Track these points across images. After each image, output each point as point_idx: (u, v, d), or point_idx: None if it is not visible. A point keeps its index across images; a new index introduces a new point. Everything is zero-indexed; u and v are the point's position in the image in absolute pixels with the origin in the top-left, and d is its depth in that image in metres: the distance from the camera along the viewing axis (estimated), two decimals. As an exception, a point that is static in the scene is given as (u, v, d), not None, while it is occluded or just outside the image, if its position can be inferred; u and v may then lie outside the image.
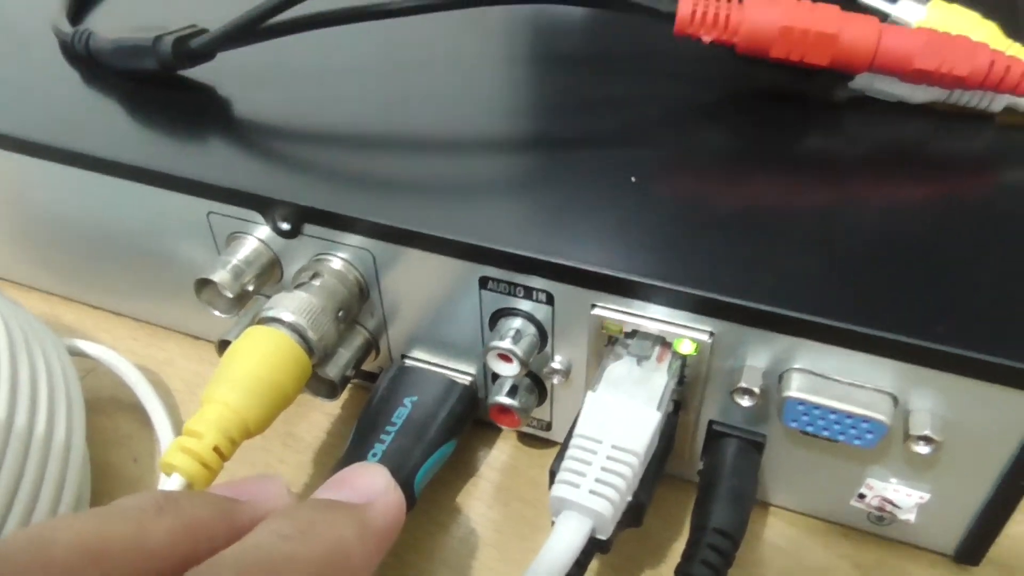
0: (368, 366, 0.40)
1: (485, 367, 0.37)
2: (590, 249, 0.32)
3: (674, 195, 0.35)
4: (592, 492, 0.28)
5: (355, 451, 0.35)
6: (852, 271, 0.31)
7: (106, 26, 0.44)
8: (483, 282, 0.34)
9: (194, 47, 0.41)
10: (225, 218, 0.37)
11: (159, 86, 0.42)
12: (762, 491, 0.36)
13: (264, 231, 0.37)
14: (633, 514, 0.30)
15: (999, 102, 0.38)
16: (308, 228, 0.36)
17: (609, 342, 0.33)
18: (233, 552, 0.22)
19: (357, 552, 0.25)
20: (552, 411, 0.38)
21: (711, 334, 0.31)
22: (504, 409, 0.36)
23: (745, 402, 0.31)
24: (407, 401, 0.36)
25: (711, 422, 0.34)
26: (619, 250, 0.32)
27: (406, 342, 0.38)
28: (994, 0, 0.42)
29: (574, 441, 0.30)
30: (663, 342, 0.32)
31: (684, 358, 0.32)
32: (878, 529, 0.35)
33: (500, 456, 0.40)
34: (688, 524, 0.33)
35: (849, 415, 0.30)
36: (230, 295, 0.35)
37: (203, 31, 0.42)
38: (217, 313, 0.37)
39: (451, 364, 0.38)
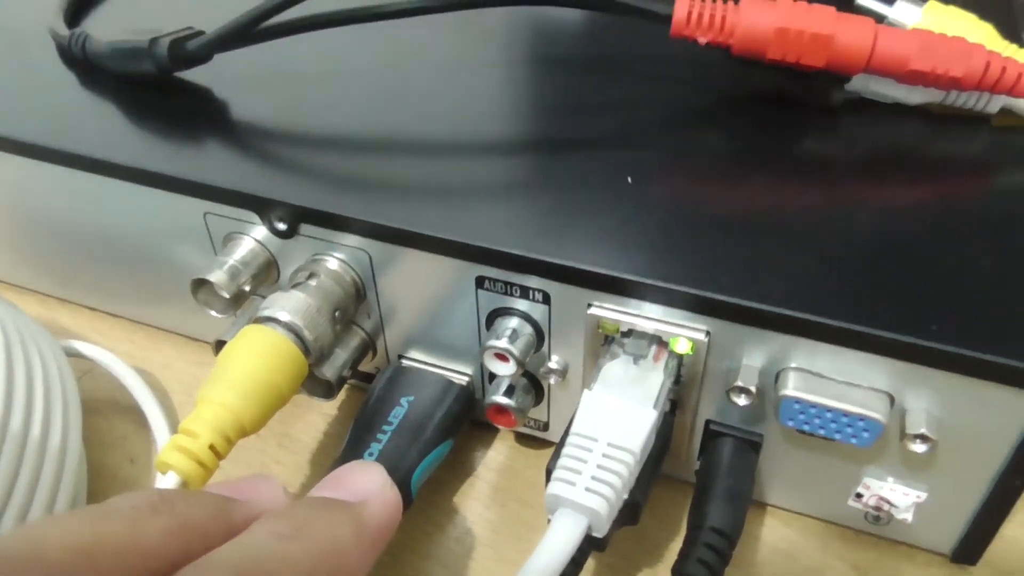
0: (365, 367, 0.40)
1: (482, 367, 0.37)
2: (586, 249, 0.32)
3: (670, 196, 0.35)
4: (588, 490, 0.28)
5: (351, 451, 0.35)
6: (848, 271, 0.31)
7: (103, 29, 0.44)
8: (479, 282, 0.34)
9: (190, 49, 0.41)
10: (222, 219, 0.37)
11: (156, 88, 0.42)
12: (759, 491, 0.36)
13: (261, 232, 0.37)
14: (629, 513, 0.30)
15: (995, 103, 0.38)
16: (305, 228, 0.36)
17: (605, 341, 0.33)
18: (227, 551, 0.22)
19: (352, 551, 0.25)
20: (549, 411, 0.38)
21: (707, 333, 0.31)
22: (501, 409, 0.36)
23: (741, 401, 0.31)
24: (404, 401, 0.36)
25: (708, 422, 0.34)
26: (615, 250, 0.32)
27: (403, 343, 0.38)
28: (990, 2, 0.42)
29: (570, 439, 0.30)
30: (659, 341, 0.32)
31: (680, 357, 0.32)
32: (875, 529, 0.35)
33: (497, 457, 0.40)
34: (685, 524, 0.33)
35: (845, 414, 0.30)
36: (227, 295, 0.35)
37: (199, 33, 0.42)
38: (214, 313, 0.37)
39: (448, 364, 0.38)
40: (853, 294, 0.30)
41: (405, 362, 0.39)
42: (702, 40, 0.37)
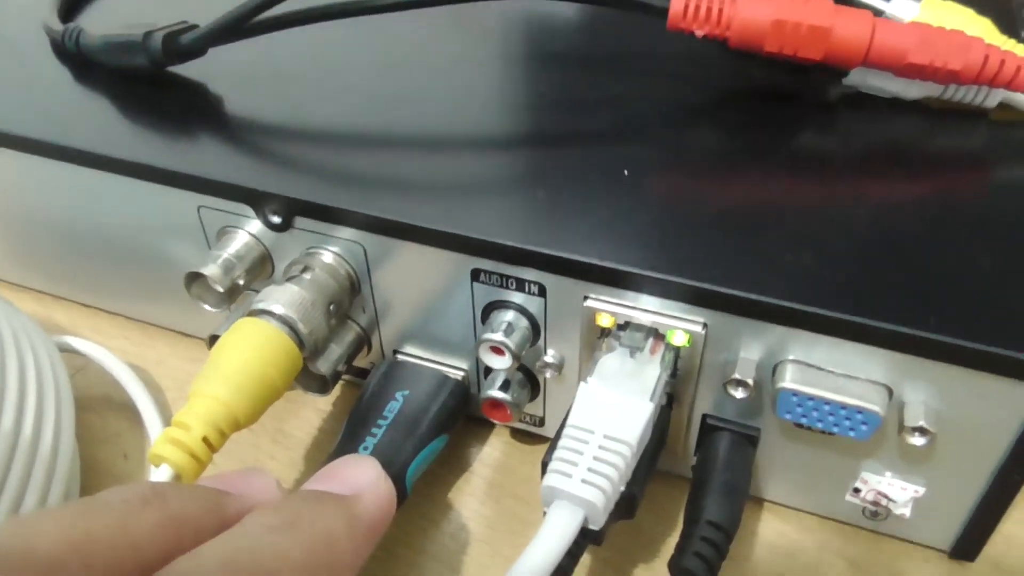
0: (360, 362, 0.39)
1: (478, 362, 0.36)
2: (582, 241, 0.31)
3: (667, 189, 0.35)
4: (584, 482, 0.28)
5: (346, 445, 0.35)
6: (846, 264, 0.31)
7: (97, 24, 0.44)
8: (475, 275, 0.34)
9: (184, 43, 0.41)
10: (216, 212, 0.37)
11: (150, 82, 0.42)
12: (756, 486, 0.36)
13: (255, 225, 0.36)
14: (626, 506, 0.30)
15: (993, 98, 0.38)
16: (299, 221, 0.35)
17: (602, 334, 0.33)
18: (219, 543, 0.22)
19: (345, 544, 0.24)
20: (545, 407, 0.38)
21: (704, 325, 0.31)
22: (496, 404, 0.36)
23: (739, 394, 0.31)
24: (398, 395, 0.36)
25: (705, 416, 0.34)
26: (612, 242, 0.31)
27: (398, 337, 0.38)
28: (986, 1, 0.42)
29: (566, 431, 0.30)
30: (656, 334, 0.32)
31: (677, 350, 0.32)
32: (873, 524, 0.35)
33: (493, 452, 0.39)
34: (681, 519, 0.33)
35: (843, 406, 0.29)
36: (220, 289, 0.35)
37: (193, 27, 0.41)
38: (207, 308, 0.36)
39: (443, 359, 0.38)
40: (851, 286, 0.29)
41: (400, 357, 0.39)
42: (699, 33, 0.36)
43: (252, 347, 0.32)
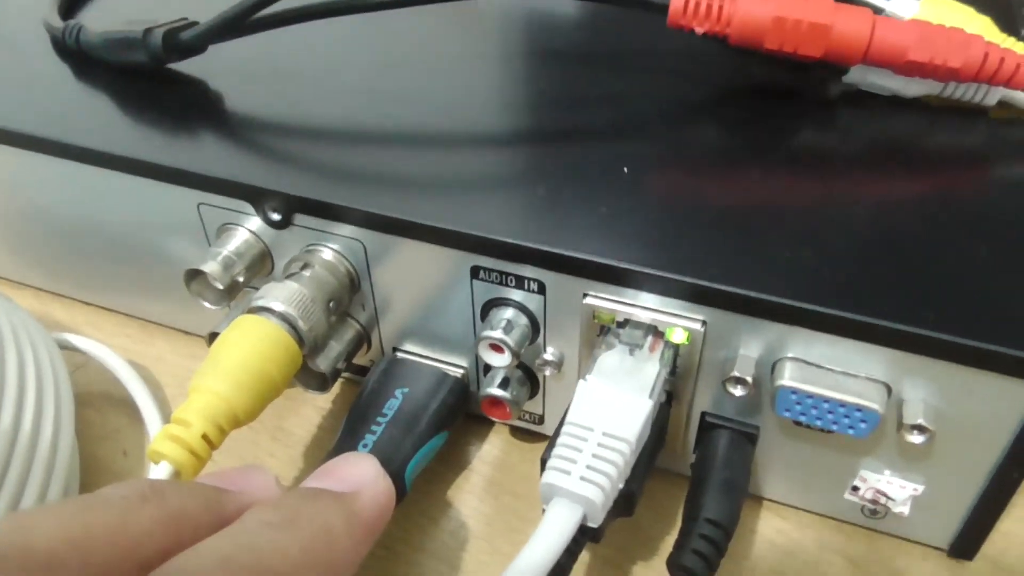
0: (360, 360, 0.40)
1: (477, 359, 0.36)
2: (582, 238, 0.32)
3: (667, 186, 0.35)
4: (583, 479, 0.28)
5: (345, 442, 0.35)
6: (846, 261, 0.31)
7: (97, 21, 0.44)
8: (475, 272, 0.34)
9: (184, 40, 0.41)
10: (216, 209, 0.37)
11: (150, 79, 0.42)
12: (756, 485, 0.36)
13: (255, 222, 0.36)
14: (624, 503, 0.30)
15: (993, 96, 0.38)
16: (299, 219, 0.35)
17: (601, 332, 0.33)
18: (217, 540, 0.22)
19: (343, 540, 0.24)
20: (544, 404, 0.38)
21: (703, 323, 0.31)
22: (496, 401, 0.36)
23: (738, 392, 0.31)
24: (398, 393, 0.36)
25: (704, 414, 0.34)
26: (611, 239, 0.31)
27: (398, 335, 0.38)
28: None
29: (565, 428, 0.30)
30: (655, 331, 0.32)
31: (676, 347, 0.32)
32: (872, 523, 0.35)
33: (492, 450, 0.39)
34: (680, 517, 0.33)
35: (842, 404, 0.29)
36: (220, 286, 0.35)
37: (193, 24, 0.41)
38: (207, 305, 0.36)
39: (443, 357, 0.38)
40: (850, 283, 0.30)
41: (400, 354, 0.39)
42: (699, 30, 0.36)
43: (252, 344, 0.32)
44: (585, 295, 0.32)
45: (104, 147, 0.38)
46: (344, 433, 0.35)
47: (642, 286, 0.31)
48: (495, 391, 0.36)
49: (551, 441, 0.30)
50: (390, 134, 0.38)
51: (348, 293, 0.36)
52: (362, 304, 0.37)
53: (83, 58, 0.44)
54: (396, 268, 0.35)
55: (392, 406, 0.36)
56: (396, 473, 0.33)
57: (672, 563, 0.31)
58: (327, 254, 0.36)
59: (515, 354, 0.33)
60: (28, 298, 0.48)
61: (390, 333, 0.38)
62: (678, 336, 0.31)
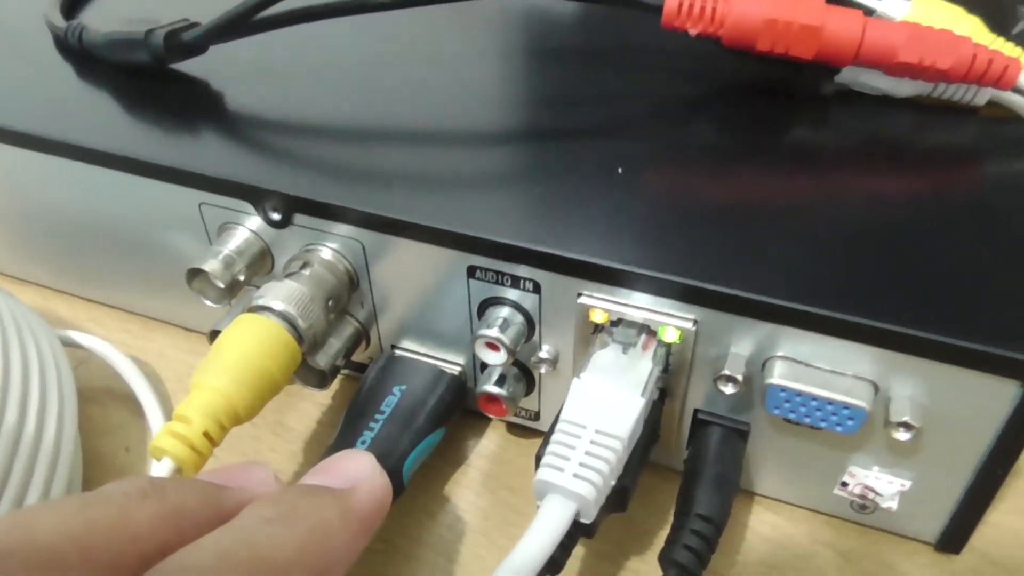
0: (358, 357, 0.40)
1: (474, 357, 0.37)
2: (576, 238, 0.32)
3: (661, 186, 0.35)
4: (576, 476, 0.29)
5: (344, 438, 0.35)
6: (835, 260, 0.31)
7: (100, 20, 0.44)
8: (471, 271, 0.34)
9: (186, 40, 0.41)
10: (217, 208, 0.37)
11: (152, 79, 0.43)
12: (747, 480, 0.37)
13: (255, 221, 0.37)
14: (618, 499, 0.31)
15: (983, 95, 0.38)
16: (299, 218, 0.36)
17: (595, 330, 0.33)
18: (216, 535, 0.22)
19: (340, 535, 0.25)
20: (540, 401, 0.38)
21: (695, 322, 0.31)
22: (492, 398, 0.36)
23: (728, 389, 0.31)
24: (396, 390, 0.37)
25: (696, 411, 0.35)
26: (605, 239, 0.32)
27: (396, 332, 0.39)
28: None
29: (559, 426, 0.30)
30: (648, 330, 0.32)
31: (669, 346, 0.32)
32: (861, 517, 0.36)
33: (489, 445, 0.40)
34: (673, 512, 0.33)
35: (830, 402, 0.30)
36: (221, 285, 0.36)
37: (195, 25, 0.42)
38: (208, 303, 0.37)
39: (440, 354, 0.39)
40: (839, 283, 0.30)
41: (398, 352, 0.39)
42: (692, 31, 0.37)
43: (252, 342, 0.33)
44: (579, 294, 0.32)
45: (107, 147, 0.38)
46: (343, 429, 0.36)
47: (635, 286, 0.31)
48: (491, 388, 0.36)
49: (545, 438, 0.31)
50: (388, 133, 0.39)
51: (347, 292, 0.37)
52: (361, 302, 0.38)
53: (85, 57, 0.44)
54: (394, 267, 0.36)
55: (390, 403, 0.36)
56: (394, 468, 0.34)
57: (663, 558, 0.31)
58: (326, 253, 0.36)
59: (511, 352, 0.34)
60: (31, 294, 0.49)
61: (388, 331, 0.39)
62: (670, 335, 0.32)
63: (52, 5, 0.47)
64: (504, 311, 0.34)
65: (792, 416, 0.31)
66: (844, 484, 0.34)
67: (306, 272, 0.35)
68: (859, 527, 0.36)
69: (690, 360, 0.32)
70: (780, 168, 0.36)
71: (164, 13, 0.43)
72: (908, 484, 0.33)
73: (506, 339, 0.33)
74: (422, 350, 0.39)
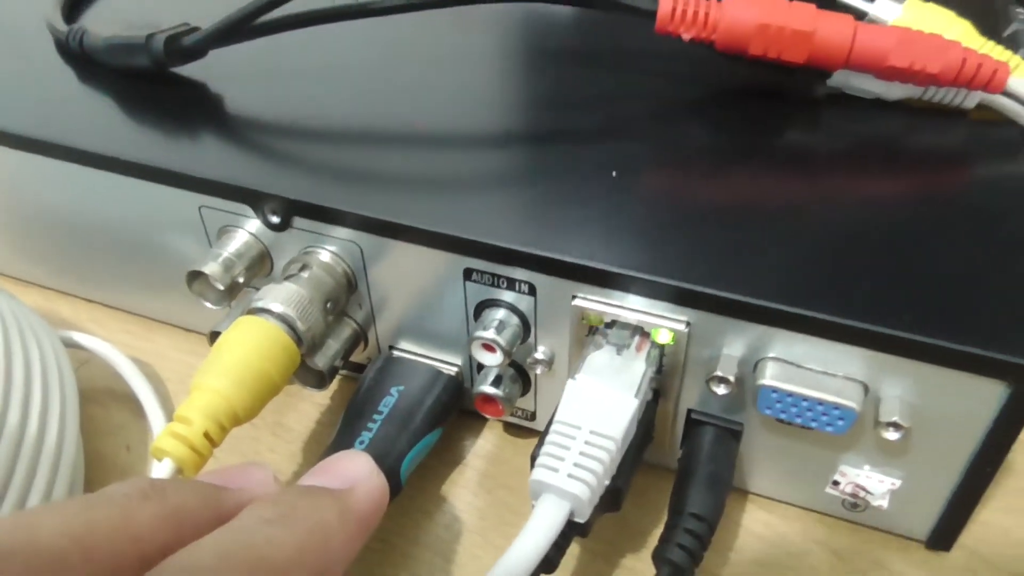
0: (357, 357, 0.40)
1: (471, 358, 0.37)
2: (571, 241, 0.32)
3: (655, 189, 0.36)
4: (570, 476, 0.29)
5: (342, 439, 0.36)
6: (826, 262, 0.32)
7: (100, 24, 0.45)
8: (467, 274, 0.35)
9: (186, 45, 0.42)
10: (216, 212, 0.38)
11: (152, 83, 0.43)
12: (740, 479, 0.37)
13: (254, 224, 0.37)
14: (611, 499, 0.31)
15: (972, 99, 0.38)
16: (297, 221, 0.36)
17: (590, 332, 0.34)
18: (216, 535, 0.23)
19: (338, 535, 0.25)
20: (536, 401, 0.39)
21: (688, 324, 0.32)
22: (488, 399, 0.37)
23: (721, 390, 0.32)
24: (394, 390, 0.37)
25: (690, 411, 0.35)
26: (599, 242, 0.32)
27: (393, 333, 0.39)
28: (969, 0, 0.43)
29: (554, 427, 0.31)
30: (642, 332, 0.33)
31: (662, 347, 0.33)
32: (853, 516, 0.36)
33: (485, 445, 0.40)
34: (667, 511, 0.34)
35: (820, 402, 0.30)
36: (221, 287, 0.36)
37: (195, 29, 0.42)
38: (208, 304, 0.37)
39: (437, 355, 0.39)
40: (830, 285, 0.31)
41: (396, 352, 0.40)
42: (686, 36, 0.37)
43: (251, 344, 0.33)
44: (574, 297, 0.33)
45: (108, 151, 0.38)
46: (341, 429, 0.36)
47: (629, 289, 0.32)
48: (488, 389, 0.37)
49: (540, 439, 0.31)
50: (385, 137, 0.39)
51: (345, 293, 0.37)
52: (359, 304, 0.38)
53: (87, 61, 0.45)
54: (392, 270, 0.36)
55: (388, 403, 0.36)
56: (391, 468, 0.34)
57: (657, 556, 0.32)
58: (325, 256, 0.37)
59: (507, 353, 0.34)
60: (33, 295, 0.49)
61: (386, 332, 0.39)
62: (663, 336, 0.32)
63: (53, 9, 0.48)
64: (500, 313, 0.35)
65: (783, 416, 0.32)
66: (836, 483, 0.34)
67: (305, 274, 0.36)
68: (851, 525, 0.37)
69: (683, 361, 0.33)
70: (773, 171, 0.37)
71: (164, 17, 0.43)
72: (898, 483, 0.33)
73: (502, 341, 0.34)
74: (419, 351, 0.39)
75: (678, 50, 0.39)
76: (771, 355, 0.31)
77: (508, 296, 0.34)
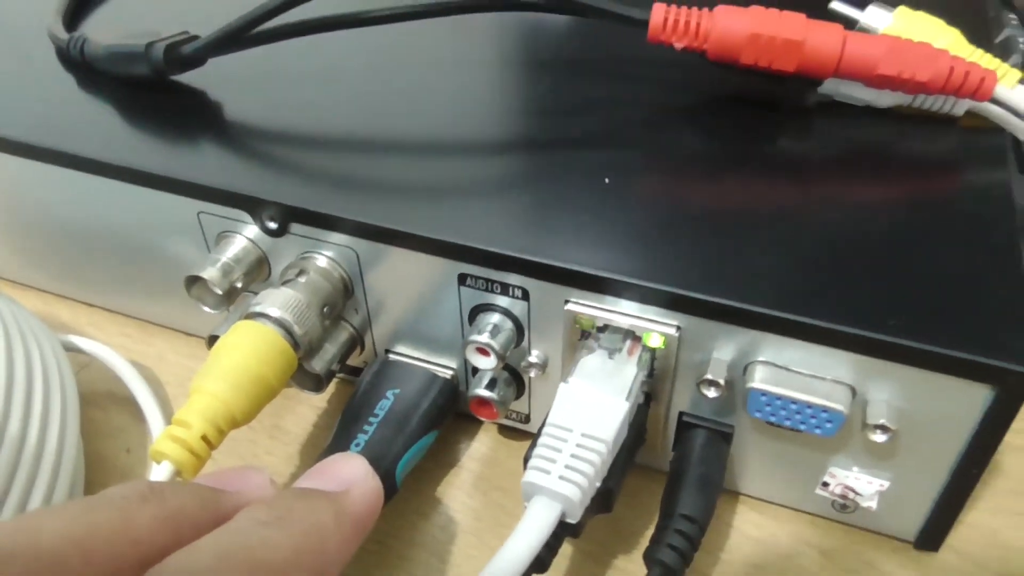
0: (354, 361, 0.41)
1: (466, 362, 0.38)
2: (564, 247, 0.33)
3: (647, 195, 0.36)
4: (562, 478, 0.30)
5: (339, 442, 0.36)
6: (815, 268, 0.32)
7: (101, 32, 0.45)
8: (462, 279, 0.35)
9: (185, 53, 0.42)
10: (215, 218, 0.38)
11: (152, 91, 0.44)
12: (732, 480, 0.37)
13: (252, 230, 0.38)
14: (603, 500, 0.31)
15: (961, 106, 0.39)
16: (295, 227, 0.37)
17: (582, 336, 0.34)
18: (212, 537, 0.23)
19: (333, 536, 0.25)
20: (530, 404, 0.39)
21: (679, 328, 0.32)
22: (483, 402, 0.37)
23: (711, 393, 0.32)
24: (390, 394, 0.37)
25: (681, 413, 0.35)
26: (591, 248, 0.33)
27: (390, 337, 0.40)
28: (962, 8, 0.44)
29: (546, 430, 0.31)
30: (633, 336, 0.33)
31: (653, 351, 0.33)
32: (842, 517, 0.36)
33: (480, 448, 0.41)
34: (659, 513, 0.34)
35: (809, 405, 0.31)
36: (219, 292, 0.37)
37: (194, 38, 0.43)
38: (207, 309, 0.38)
39: (433, 358, 0.39)
40: (818, 290, 0.31)
41: (392, 356, 0.40)
42: (678, 45, 0.38)
43: (249, 348, 0.34)
44: (567, 301, 0.33)
45: (108, 157, 0.39)
46: (338, 432, 0.37)
47: (620, 294, 0.32)
48: (482, 392, 0.37)
49: (533, 441, 0.32)
50: (381, 144, 0.40)
51: (342, 298, 0.38)
52: (355, 308, 0.39)
53: (87, 69, 0.45)
54: (388, 275, 0.37)
55: (384, 406, 0.37)
56: (387, 471, 0.35)
57: (648, 557, 0.32)
58: (322, 261, 0.37)
59: (500, 357, 0.35)
60: (34, 299, 0.49)
61: (382, 336, 0.40)
62: (655, 341, 0.33)
63: (55, 18, 0.48)
64: (494, 317, 0.35)
65: (773, 419, 0.32)
66: (825, 484, 0.35)
67: (302, 279, 0.36)
68: (841, 526, 0.37)
69: (674, 365, 0.33)
70: (763, 177, 0.37)
71: (164, 26, 0.44)
72: (887, 484, 0.34)
73: (496, 344, 0.34)
74: (415, 355, 0.40)
75: (670, 58, 0.39)
76: (761, 359, 0.32)
77: (502, 301, 0.35)
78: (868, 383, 0.31)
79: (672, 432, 0.36)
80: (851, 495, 0.34)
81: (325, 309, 0.36)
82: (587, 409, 0.32)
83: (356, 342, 0.40)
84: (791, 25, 0.37)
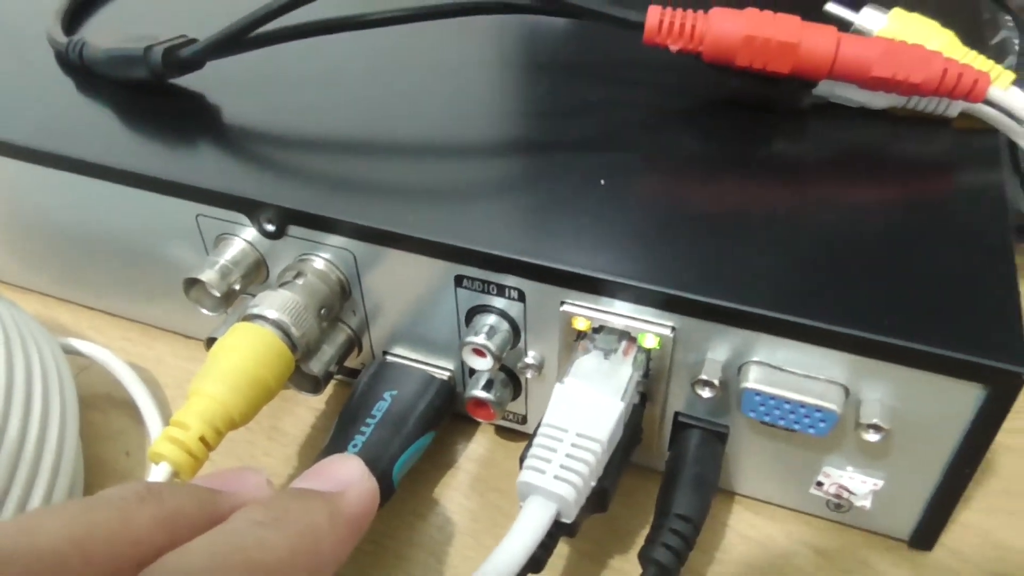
0: (351, 363, 0.41)
1: (463, 363, 0.38)
2: (559, 248, 0.33)
3: (642, 197, 0.36)
4: (557, 478, 0.30)
5: (336, 443, 0.36)
6: (809, 268, 0.32)
7: (100, 36, 0.45)
8: (459, 280, 0.35)
9: (183, 56, 0.42)
10: (213, 220, 0.38)
11: (151, 94, 0.44)
12: (727, 480, 0.38)
13: (250, 233, 0.38)
14: (598, 500, 0.32)
15: (955, 107, 0.39)
16: (292, 229, 0.37)
17: (578, 337, 0.34)
18: (208, 537, 0.23)
19: (328, 537, 0.26)
20: (527, 405, 0.39)
21: (673, 329, 0.32)
22: (480, 403, 0.37)
23: (706, 393, 0.33)
24: (387, 395, 0.38)
25: (677, 413, 0.36)
26: (587, 249, 0.33)
27: (387, 339, 0.40)
28: (956, 9, 0.44)
29: (541, 430, 0.31)
30: (628, 337, 0.33)
31: (649, 352, 0.33)
32: (837, 516, 0.37)
33: (477, 449, 0.41)
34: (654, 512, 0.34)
35: (803, 405, 0.31)
36: (217, 294, 0.37)
37: (192, 41, 0.43)
38: (205, 311, 0.38)
39: (430, 360, 0.40)
40: (811, 291, 0.31)
41: (389, 357, 0.40)
42: (673, 48, 0.38)
43: (247, 350, 0.34)
44: (563, 303, 0.34)
45: (107, 161, 0.39)
46: (335, 434, 0.37)
47: (616, 295, 0.33)
48: (479, 393, 0.37)
49: (529, 441, 0.32)
50: (378, 146, 0.40)
51: (339, 300, 0.38)
52: (353, 310, 0.39)
53: (86, 72, 0.45)
54: (385, 277, 0.37)
55: (381, 407, 0.37)
56: (384, 472, 0.35)
57: (643, 556, 0.32)
58: (319, 263, 0.37)
59: (497, 358, 0.35)
60: (33, 302, 0.50)
61: (380, 338, 0.40)
62: (650, 341, 0.33)
63: (54, 21, 0.48)
64: (491, 319, 0.35)
65: (767, 419, 0.32)
66: (819, 484, 0.35)
67: (300, 281, 0.36)
68: (836, 525, 0.37)
69: (669, 366, 0.34)
70: (757, 179, 0.37)
71: (163, 29, 0.44)
72: (880, 483, 0.34)
73: (492, 346, 0.35)
74: (412, 356, 0.40)
75: (666, 61, 0.39)
76: (755, 359, 0.32)
77: (498, 302, 0.35)
78: (861, 383, 0.31)
79: (668, 432, 0.37)
80: (845, 494, 0.35)
81: (323, 311, 0.37)
82: (583, 409, 0.32)
83: (353, 344, 0.40)
84: (786, 27, 0.37)
